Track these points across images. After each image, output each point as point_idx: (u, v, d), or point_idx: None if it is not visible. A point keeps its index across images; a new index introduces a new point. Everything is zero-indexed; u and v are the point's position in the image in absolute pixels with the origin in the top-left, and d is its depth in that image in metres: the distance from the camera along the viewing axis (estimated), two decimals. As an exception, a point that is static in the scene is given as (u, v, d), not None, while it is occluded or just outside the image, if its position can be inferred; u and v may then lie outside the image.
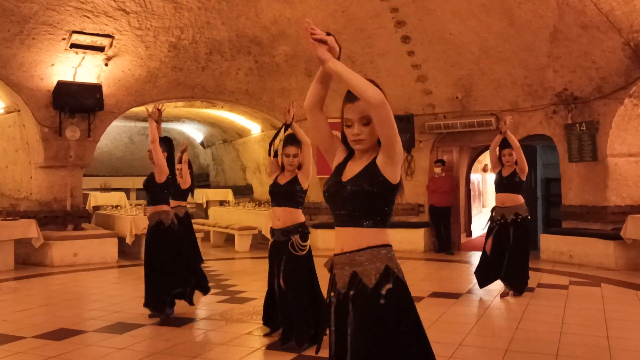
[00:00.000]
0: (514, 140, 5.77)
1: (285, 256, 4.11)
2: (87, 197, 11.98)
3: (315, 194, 10.89)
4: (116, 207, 10.77)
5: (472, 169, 12.10)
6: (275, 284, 4.24)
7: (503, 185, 5.90)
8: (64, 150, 8.74)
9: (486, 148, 11.07)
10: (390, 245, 2.00)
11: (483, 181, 17.15)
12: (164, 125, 15.15)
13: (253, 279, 7.26)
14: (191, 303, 5.33)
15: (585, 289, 6.38)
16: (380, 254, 1.95)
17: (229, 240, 10.66)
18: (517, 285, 5.91)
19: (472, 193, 13.29)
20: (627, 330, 4.65)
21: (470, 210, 12.47)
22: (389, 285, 1.91)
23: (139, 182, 14.91)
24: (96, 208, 11.77)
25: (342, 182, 2.01)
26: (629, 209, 7.90)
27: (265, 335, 4.51)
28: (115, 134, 14.99)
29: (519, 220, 5.82)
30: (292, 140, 4.23)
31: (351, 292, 1.94)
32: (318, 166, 9.53)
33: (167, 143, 5.21)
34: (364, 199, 1.95)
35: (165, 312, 5.01)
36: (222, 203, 12.77)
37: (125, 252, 9.07)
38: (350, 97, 2.02)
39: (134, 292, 6.36)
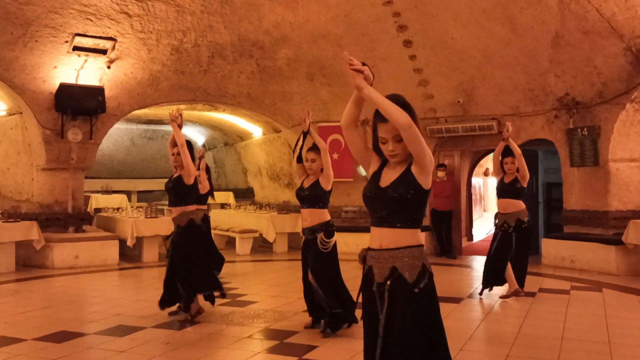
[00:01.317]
0: (516, 148, 5.93)
1: (312, 252, 4.54)
2: (88, 199, 12.00)
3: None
4: (117, 209, 10.78)
5: (474, 173, 12.11)
6: (307, 277, 4.64)
7: (505, 191, 6.04)
8: (65, 153, 8.76)
9: (487, 152, 11.08)
10: (423, 245, 2.34)
11: (484, 185, 17.16)
12: (165, 128, 15.25)
13: (254, 282, 7.26)
14: (213, 302, 5.44)
15: (587, 294, 6.36)
16: (418, 253, 2.29)
17: (230, 243, 10.66)
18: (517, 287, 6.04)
19: (473, 197, 13.29)
20: (629, 336, 4.64)
21: (471, 215, 12.46)
22: (425, 281, 2.26)
23: (140, 185, 15.15)
24: (97, 210, 11.79)
25: (381, 187, 2.32)
26: (631, 214, 7.89)
27: (306, 327, 4.80)
28: (117, 136, 15.01)
29: (522, 226, 5.97)
30: (312, 146, 4.67)
31: (389, 283, 2.25)
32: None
33: (188, 147, 5.21)
34: (402, 203, 2.26)
35: (190, 311, 5.11)
36: (223, 206, 12.78)
37: (126, 254, 9.07)
38: (382, 117, 2.29)
39: (135, 295, 6.36)
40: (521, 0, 7.42)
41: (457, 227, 10.05)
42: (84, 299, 6.33)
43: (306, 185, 4.69)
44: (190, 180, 5.11)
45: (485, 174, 16.82)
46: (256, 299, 6.11)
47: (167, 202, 14.14)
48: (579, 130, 8.31)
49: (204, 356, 4.07)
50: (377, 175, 2.38)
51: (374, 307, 2.31)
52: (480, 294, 6.20)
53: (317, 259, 4.55)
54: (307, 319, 4.97)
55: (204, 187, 6.67)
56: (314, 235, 4.57)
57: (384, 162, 2.41)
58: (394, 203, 2.27)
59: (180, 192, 5.15)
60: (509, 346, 4.33)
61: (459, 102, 9.45)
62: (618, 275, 7.44)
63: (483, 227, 13.99)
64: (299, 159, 4.79)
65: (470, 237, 12.08)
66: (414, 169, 2.28)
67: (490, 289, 6.21)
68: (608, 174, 8.09)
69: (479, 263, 8.97)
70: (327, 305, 4.53)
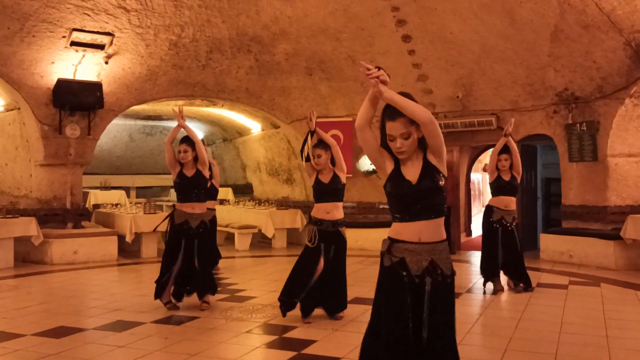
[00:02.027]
0: (514, 145, 6.08)
1: (335, 246, 4.80)
2: (87, 195, 11.99)
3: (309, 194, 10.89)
4: (116, 205, 10.77)
5: (472, 168, 12.11)
6: (315, 264, 4.78)
7: (507, 189, 6.16)
8: (64, 148, 8.74)
9: (486, 148, 11.08)
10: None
11: (483, 181, 17.14)
12: (163, 123, 15.22)
13: (252, 278, 7.26)
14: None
15: (585, 289, 6.38)
16: (447, 247, 2.49)
17: (229, 238, 10.66)
18: (527, 280, 6.25)
19: (472, 192, 13.29)
20: (627, 330, 4.65)
21: (470, 210, 12.47)
22: (454, 273, 2.49)
23: (139, 181, 15.13)
24: (96, 206, 11.77)
25: (412, 182, 2.41)
26: (629, 209, 7.90)
27: (306, 321, 4.85)
28: (115, 132, 14.97)
29: (517, 224, 6.22)
30: (319, 143, 4.89)
31: (430, 279, 2.39)
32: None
33: (191, 142, 5.32)
34: (434, 192, 2.41)
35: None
36: (222, 202, 12.76)
37: (125, 250, 9.07)
38: (390, 115, 2.40)
39: (133, 290, 6.36)
40: (520, -5, 7.40)
41: (455, 222, 10.06)
42: (83, 295, 6.33)
43: (325, 180, 4.87)
44: (207, 172, 5.36)
45: (484, 169, 16.81)
46: (255, 294, 6.12)
47: (165, 198, 14.24)
48: (577, 125, 8.30)
49: (203, 351, 4.08)
50: (398, 172, 2.47)
51: (404, 298, 2.38)
52: (499, 282, 6.27)
53: (342, 252, 4.87)
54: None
55: (216, 182, 7.00)
56: (336, 228, 4.81)
57: (397, 161, 2.49)
58: (428, 196, 2.40)
59: (203, 187, 5.36)
60: (508, 340, 4.33)
61: (458, 97, 9.44)
62: (616, 270, 7.45)
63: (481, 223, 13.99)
64: (307, 158, 4.94)
65: (469, 233, 12.10)
66: (431, 158, 2.42)
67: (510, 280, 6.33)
68: (607, 169, 8.09)
69: (477, 258, 8.96)
70: (339, 292, 4.86)
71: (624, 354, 4.01)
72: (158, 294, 5.32)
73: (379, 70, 2.28)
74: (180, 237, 5.27)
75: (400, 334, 2.36)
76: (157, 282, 5.33)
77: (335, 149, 4.83)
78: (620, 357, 3.93)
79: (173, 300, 5.37)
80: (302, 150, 5.00)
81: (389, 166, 2.49)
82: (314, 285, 4.80)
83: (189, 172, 5.30)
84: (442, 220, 2.46)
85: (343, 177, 4.87)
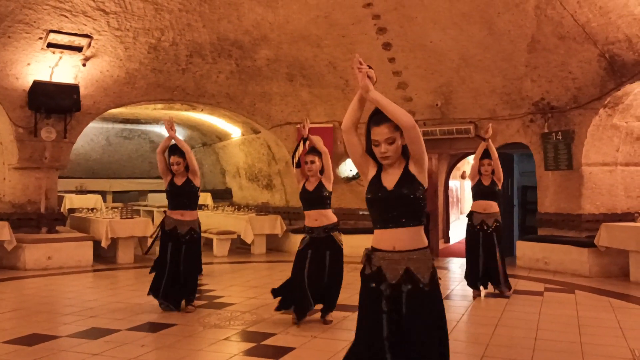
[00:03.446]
0: (494, 151, 6.18)
1: (330, 251, 4.84)
2: (62, 199, 11.77)
3: (295, 199, 10.87)
4: (92, 209, 10.59)
5: (451, 175, 12.24)
6: (305, 271, 4.83)
7: (486, 193, 6.28)
8: (39, 152, 8.58)
9: (464, 155, 11.21)
10: (428, 246, 2.48)
11: (461, 188, 17.34)
12: (142, 127, 15.06)
13: (231, 284, 7.20)
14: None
15: (560, 296, 6.48)
16: (428, 255, 2.44)
17: (207, 244, 10.57)
18: (507, 284, 6.38)
19: (450, 199, 13.42)
20: (600, 336, 4.73)
21: (448, 217, 12.59)
22: (438, 280, 2.46)
23: (116, 185, 14.93)
24: (71, 211, 11.57)
25: (387, 189, 2.42)
26: (603, 217, 8.06)
27: (296, 323, 4.92)
28: (92, 135, 14.76)
29: (499, 228, 6.28)
30: (311, 150, 4.96)
31: (407, 287, 2.36)
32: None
33: (181, 151, 5.49)
34: (409, 202, 2.40)
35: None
36: (200, 207, 12.65)
37: (100, 255, 8.92)
38: (376, 121, 2.43)
39: (109, 297, 6.26)
40: (499, 5, 7.52)
41: (434, 229, 10.14)
42: (57, 301, 6.20)
43: (310, 187, 4.94)
44: (198, 182, 5.50)
45: (463, 176, 17.00)
46: (233, 300, 6.07)
47: (143, 203, 14.07)
48: (553, 134, 8.46)
49: (180, 359, 4.02)
50: (377, 179, 2.48)
51: (379, 307, 2.38)
52: (478, 289, 6.38)
53: (337, 256, 4.88)
54: (283, 319, 5.02)
55: None
56: (328, 233, 4.86)
57: (380, 168, 2.51)
58: (404, 202, 2.40)
59: (192, 195, 5.49)
60: (484, 346, 4.37)
61: (437, 105, 9.54)
62: (590, 277, 7.59)
63: (460, 229, 14.14)
64: (298, 164, 5.00)
65: (447, 239, 12.20)
66: (412, 168, 2.43)
67: (486, 287, 6.41)
68: (581, 178, 8.25)
69: (455, 265, 9.06)
70: (334, 296, 4.93)
71: (597, 360, 4.08)
72: (153, 292, 5.47)
73: (370, 68, 2.33)
74: (168, 243, 5.43)
75: (374, 345, 2.36)
76: (152, 283, 5.48)
77: (326, 157, 4.90)
78: (594, 363, 4.00)
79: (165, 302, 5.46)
80: (293, 156, 5.05)
81: (371, 172, 2.52)
82: (310, 289, 4.85)
83: (179, 181, 5.47)
84: (420, 228, 2.45)
85: (329, 186, 4.92)
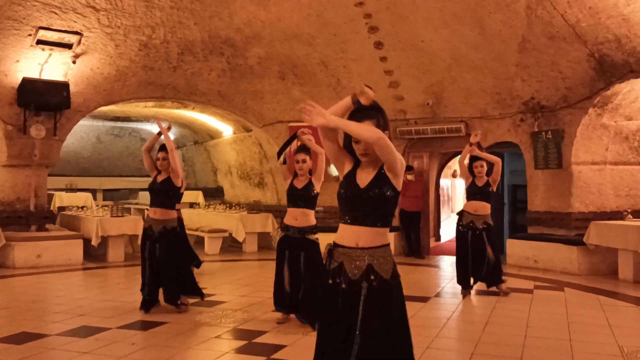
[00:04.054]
0: (491, 157, 6.28)
1: (305, 252, 4.74)
2: (52, 197, 11.69)
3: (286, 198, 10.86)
4: (82, 207, 10.53)
5: (442, 174, 12.28)
6: (285, 272, 4.78)
7: (477, 194, 6.33)
8: (28, 149, 8.51)
9: (455, 154, 11.24)
10: (389, 244, 2.47)
11: (452, 187, 17.41)
12: (133, 125, 14.98)
13: (222, 282, 7.19)
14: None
15: (550, 293, 6.53)
16: (389, 252, 2.44)
17: (199, 242, 10.54)
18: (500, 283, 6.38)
19: (441, 198, 13.47)
20: (589, 334, 4.78)
21: (439, 215, 12.63)
22: (399, 278, 2.43)
23: (106, 183, 14.85)
24: (61, 209, 11.48)
25: (359, 187, 2.41)
26: (592, 215, 8.12)
27: (278, 322, 4.91)
28: (83, 133, 14.66)
29: (487, 227, 6.29)
30: (302, 148, 4.89)
31: (366, 283, 2.34)
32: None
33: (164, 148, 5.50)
34: (379, 202, 2.38)
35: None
36: (192, 205, 12.62)
37: (90, 254, 8.87)
38: (358, 118, 2.41)
39: (99, 295, 6.23)
40: (490, 5, 7.56)
41: (425, 227, 10.18)
42: (47, 300, 6.16)
43: (298, 185, 4.85)
44: (179, 182, 5.44)
45: (454, 175, 17.08)
46: (225, 298, 6.06)
47: (134, 201, 14.01)
48: (543, 133, 8.52)
49: (171, 356, 4.01)
50: (351, 175, 2.47)
51: (336, 303, 2.38)
52: (470, 288, 6.43)
53: (311, 257, 4.74)
54: (274, 317, 5.01)
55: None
56: (302, 235, 4.77)
57: (356, 164, 2.49)
58: (373, 203, 2.38)
59: (169, 194, 5.43)
60: (475, 344, 4.40)
61: (428, 104, 9.57)
62: (580, 274, 7.65)
63: (451, 228, 14.21)
64: (285, 161, 4.94)
65: (438, 238, 12.24)
66: (387, 171, 2.40)
67: (475, 283, 6.46)
68: (571, 177, 8.32)
69: (446, 263, 9.10)
70: (309, 300, 4.73)
71: (586, 357, 4.12)
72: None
73: (369, 88, 2.36)
74: (145, 241, 5.43)
75: (334, 342, 2.36)
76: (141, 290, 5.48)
77: (321, 158, 4.82)
78: (583, 360, 4.04)
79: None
80: (281, 152, 4.91)
81: (347, 167, 2.51)
82: (290, 292, 4.81)
83: (160, 178, 5.46)
84: (385, 230, 2.42)
85: (318, 186, 4.86)
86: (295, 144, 4.92)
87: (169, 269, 5.32)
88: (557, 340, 4.54)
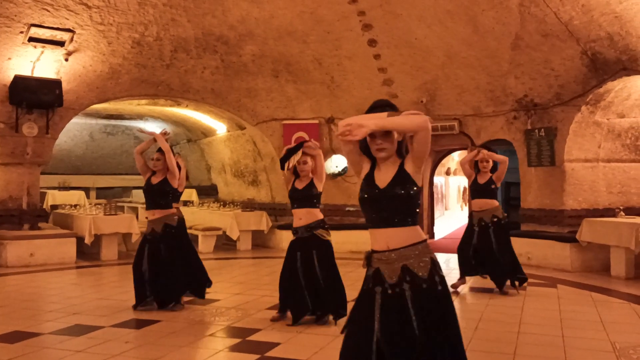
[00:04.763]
0: (499, 156, 6.28)
1: (316, 250, 4.77)
2: (44, 195, 11.62)
3: (281, 195, 10.86)
4: (75, 206, 10.48)
5: (436, 172, 12.30)
6: (297, 273, 4.80)
7: (480, 191, 6.34)
8: (20, 147, 8.46)
9: (449, 152, 11.28)
10: (426, 239, 2.40)
11: (446, 184, 17.43)
12: (126, 123, 14.91)
13: (217, 281, 7.15)
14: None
15: (543, 290, 6.56)
16: (425, 248, 2.36)
17: (193, 240, 10.48)
18: (515, 278, 6.31)
19: (435, 196, 13.49)
20: (581, 330, 4.80)
21: (433, 213, 12.65)
22: (441, 273, 2.35)
23: (99, 181, 14.79)
24: (54, 207, 11.42)
25: (380, 188, 2.35)
26: (585, 212, 8.16)
27: (272, 320, 4.89)
28: (76, 131, 14.57)
29: (500, 222, 6.25)
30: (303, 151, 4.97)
31: (406, 286, 2.28)
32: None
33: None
34: (402, 201, 2.33)
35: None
36: (185, 203, 12.57)
37: (84, 252, 8.84)
38: (372, 113, 2.40)
39: (92, 294, 6.21)
40: (483, 2, 7.57)
41: (419, 225, 10.18)
42: (40, 298, 6.13)
43: (299, 186, 4.91)
44: (175, 183, 5.46)
45: (447, 173, 17.10)
46: (219, 296, 6.05)
47: (127, 199, 13.95)
48: (536, 131, 8.55)
49: (165, 355, 4.01)
50: (370, 177, 2.42)
51: (372, 311, 2.31)
52: (464, 277, 6.46)
53: (326, 256, 4.81)
54: (268, 314, 5.04)
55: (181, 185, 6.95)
56: (311, 232, 4.81)
57: (373, 165, 2.44)
58: (396, 202, 2.33)
59: (167, 195, 5.44)
60: (468, 340, 4.41)
61: (422, 101, 9.58)
62: (572, 271, 7.70)
63: (444, 225, 14.24)
64: (287, 167, 4.97)
65: (431, 235, 12.26)
66: (408, 167, 2.35)
67: (479, 274, 6.48)
68: (564, 174, 8.35)
69: (440, 260, 9.09)
70: (330, 297, 4.76)
71: (579, 353, 4.14)
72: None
73: (395, 111, 2.34)
74: (145, 243, 5.42)
75: (363, 349, 2.30)
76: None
77: (320, 158, 4.93)
78: (576, 356, 4.06)
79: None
80: (284, 160, 4.89)
81: (365, 169, 2.46)
82: (309, 293, 4.78)
83: (156, 180, 5.46)
84: (415, 227, 2.36)
85: (319, 186, 4.92)
86: (299, 155, 4.92)
87: (174, 268, 5.32)
88: (550, 336, 4.56)
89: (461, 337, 2.36)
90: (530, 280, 7.13)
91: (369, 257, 2.40)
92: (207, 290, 6.40)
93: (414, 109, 10.52)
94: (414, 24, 8.41)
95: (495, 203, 6.31)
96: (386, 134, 2.34)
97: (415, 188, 2.33)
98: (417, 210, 2.39)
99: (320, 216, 4.93)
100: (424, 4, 8.01)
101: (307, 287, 4.76)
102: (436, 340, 2.24)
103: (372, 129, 2.21)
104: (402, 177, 2.34)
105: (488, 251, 6.20)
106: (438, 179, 14.82)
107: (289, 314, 4.92)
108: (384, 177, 2.37)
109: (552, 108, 8.36)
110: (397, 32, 8.66)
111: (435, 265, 2.35)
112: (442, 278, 2.35)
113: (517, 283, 6.32)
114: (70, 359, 3.90)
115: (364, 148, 2.43)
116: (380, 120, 2.25)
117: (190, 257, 5.60)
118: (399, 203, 2.33)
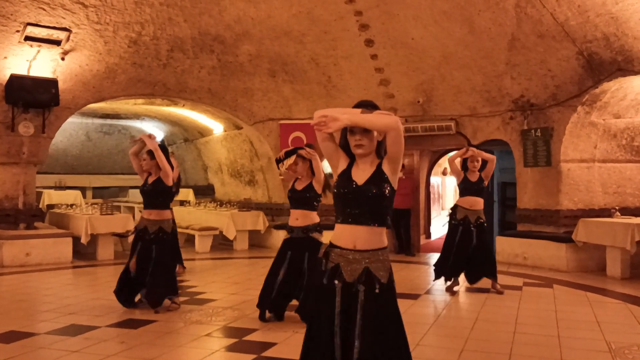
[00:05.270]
0: (487, 155, 6.34)
1: (308, 252, 4.80)
2: (40, 195, 11.59)
3: (278, 195, 10.86)
4: (71, 205, 10.45)
5: (432, 172, 12.33)
6: (281, 272, 4.85)
7: (472, 189, 6.39)
8: (16, 147, 8.43)
9: (446, 152, 11.30)
10: (387, 246, 2.43)
11: (442, 184, 17.47)
12: (122, 122, 14.88)
13: (213, 280, 7.18)
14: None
15: (538, 290, 6.58)
16: (387, 255, 2.39)
17: (189, 240, 10.51)
18: (494, 276, 6.35)
19: (431, 196, 13.52)
20: (577, 330, 4.82)
21: (429, 213, 12.69)
22: (394, 282, 2.39)
23: (95, 181, 14.76)
24: (50, 207, 11.40)
25: (357, 185, 2.36)
26: (580, 212, 8.19)
27: (268, 320, 4.91)
28: (72, 130, 14.54)
29: (483, 225, 6.35)
30: (294, 152, 5.03)
31: (362, 287, 2.31)
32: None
33: (164, 150, 5.54)
34: (376, 201, 2.34)
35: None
36: (182, 203, 12.57)
37: (80, 252, 8.82)
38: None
39: (88, 294, 6.19)
40: (479, 3, 7.59)
41: (415, 225, 10.21)
42: (35, 298, 6.11)
43: (299, 187, 4.97)
44: (169, 182, 5.44)
45: (444, 173, 17.13)
46: (215, 296, 6.05)
47: (123, 199, 13.92)
48: (532, 131, 8.57)
49: (161, 355, 4.00)
50: (347, 173, 2.43)
51: (332, 304, 2.34)
52: (446, 283, 6.48)
53: (315, 255, 4.78)
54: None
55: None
56: (306, 234, 4.87)
57: (352, 161, 2.45)
58: (370, 201, 2.34)
59: (162, 194, 5.44)
60: (464, 340, 4.43)
61: (418, 102, 9.60)
62: (568, 271, 7.72)
63: (441, 225, 14.26)
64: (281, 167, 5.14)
65: (428, 235, 12.30)
66: (385, 168, 2.37)
67: (451, 280, 6.45)
68: (560, 174, 8.38)
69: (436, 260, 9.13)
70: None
71: (574, 353, 4.16)
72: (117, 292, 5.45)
73: (325, 118, 2.24)
74: (137, 242, 5.42)
75: (324, 343, 2.34)
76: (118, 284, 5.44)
77: (316, 162, 4.93)
78: (571, 356, 4.08)
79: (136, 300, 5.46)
80: (281, 162, 5.06)
81: (342, 165, 2.47)
82: (280, 290, 4.84)
83: (151, 180, 5.48)
84: (382, 230, 2.39)
85: (318, 188, 4.95)
86: (292, 160, 5.01)
87: (162, 271, 5.31)
88: (546, 336, 4.58)
89: (407, 345, 2.37)
90: (526, 280, 7.17)
91: (328, 252, 2.41)
92: (204, 289, 6.42)
93: (410, 109, 10.59)
94: (410, 25, 8.43)
95: (482, 203, 6.41)
96: (365, 130, 2.35)
97: (389, 189, 2.35)
98: (388, 214, 2.41)
99: (317, 220, 4.97)
100: (420, 5, 8.02)
101: (283, 286, 4.82)
102: (377, 345, 2.28)
103: (346, 124, 2.25)
104: (379, 177, 2.36)
105: (467, 251, 6.27)
106: (435, 179, 14.85)
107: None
108: (361, 175, 2.39)
109: (548, 108, 8.38)
110: (394, 32, 8.67)
111: (392, 274, 2.40)
112: (394, 288, 2.40)
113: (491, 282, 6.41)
114: (66, 359, 3.89)
115: (344, 145, 2.45)
116: (353, 115, 2.28)
117: (172, 264, 5.69)
118: (373, 202, 2.34)
